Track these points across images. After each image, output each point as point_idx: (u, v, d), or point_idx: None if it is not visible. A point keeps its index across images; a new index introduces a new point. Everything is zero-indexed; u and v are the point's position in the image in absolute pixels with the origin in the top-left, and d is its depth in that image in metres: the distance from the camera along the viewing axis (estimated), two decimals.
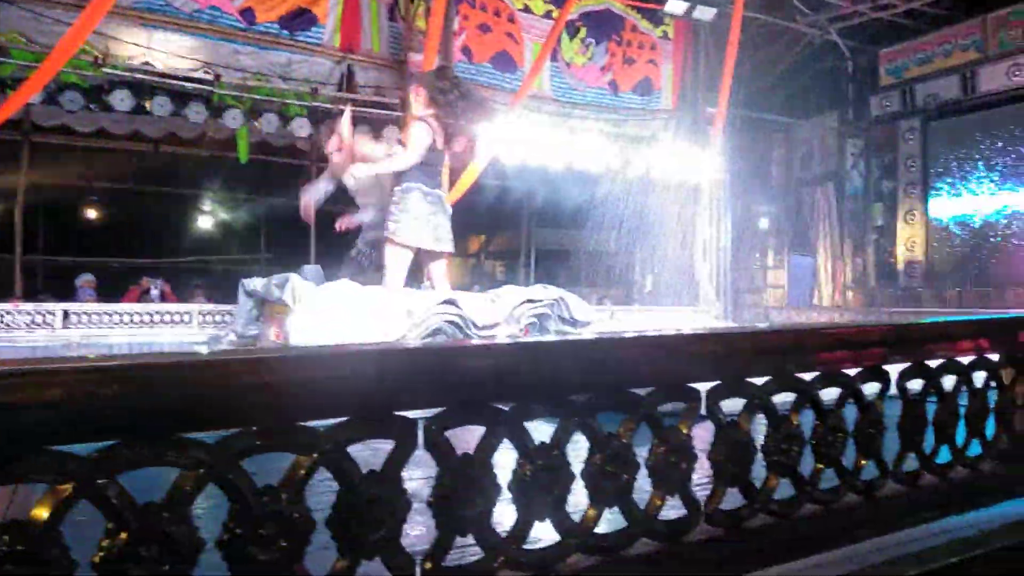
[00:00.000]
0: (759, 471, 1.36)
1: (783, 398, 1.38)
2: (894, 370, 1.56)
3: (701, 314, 9.53)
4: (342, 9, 7.66)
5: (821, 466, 1.43)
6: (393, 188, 4.53)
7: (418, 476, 1.10)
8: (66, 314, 6.68)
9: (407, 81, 7.79)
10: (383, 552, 0.98)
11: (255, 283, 5.11)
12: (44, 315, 6.62)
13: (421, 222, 4.46)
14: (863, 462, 1.50)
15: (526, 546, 1.10)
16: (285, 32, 7.52)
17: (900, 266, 10.74)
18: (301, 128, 7.46)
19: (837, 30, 10.57)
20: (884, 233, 10.95)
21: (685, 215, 9.97)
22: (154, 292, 7.84)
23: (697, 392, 1.27)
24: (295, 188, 8.04)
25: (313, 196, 4.83)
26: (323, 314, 4.08)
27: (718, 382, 1.29)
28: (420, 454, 1.02)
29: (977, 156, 9.99)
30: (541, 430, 1.13)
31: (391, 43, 7.95)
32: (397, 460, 0.98)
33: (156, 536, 0.82)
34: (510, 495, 1.10)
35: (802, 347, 1.36)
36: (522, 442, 1.09)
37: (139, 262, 9.26)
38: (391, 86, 7.99)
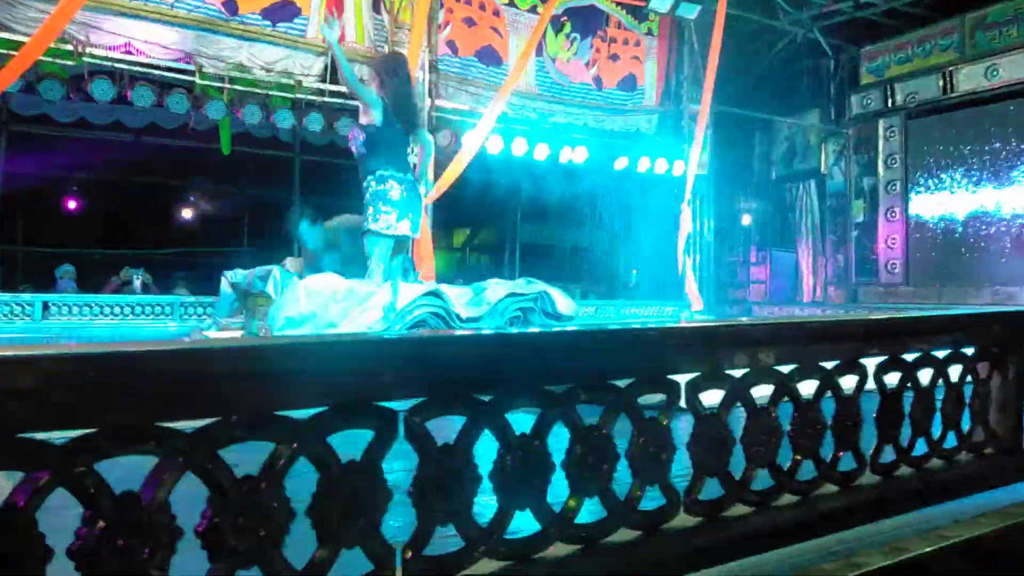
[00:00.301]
0: (739, 463, 1.38)
1: (761, 390, 1.40)
2: (871, 364, 1.59)
3: (684, 309, 9.60)
4: (325, 1, 7.59)
5: (799, 457, 1.45)
6: (366, 177, 4.50)
7: (398, 468, 1.10)
8: (46, 305, 6.60)
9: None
10: (363, 541, 0.98)
11: (237, 275, 5.08)
12: (24, 306, 6.53)
13: (398, 209, 4.44)
14: (840, 454, 1.52)
15: (506, 536, 1.11)
16: (268, 23, 7.45)
17: (881, 263, 10.86)
18: (284, 120, 7.40)
19: (819, 28, 10.65)
20: (865, 230, 11.06)
21: (669, 211, 10.02)
22: (136, 283, 7.76)
23: (677, 384, 1.28)
24: (278, 180, 7.99)
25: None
26: (306, 306, 4.07)
27: (697, 374, 1.31)
28: (401, 447, 1.02)
29: (956, 155, 10.12)
30: (522, 421, 1.13)
31: (375, 36, 7.89)
32: (377, 450, 0.98)
33: (133, 525, 0.82)
34: (491, 485, 1.10)
35: (780, 339, 1.38)
36: (503, 432, 1.10)
37: (120, 253, 9.15)
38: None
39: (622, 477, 1.23)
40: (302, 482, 0.98)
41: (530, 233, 11.96)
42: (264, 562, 0.91)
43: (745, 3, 9.41)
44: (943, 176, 10.27)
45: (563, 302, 4.85)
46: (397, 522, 1.14)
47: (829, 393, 1.49)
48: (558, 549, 1.15)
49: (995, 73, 9.43)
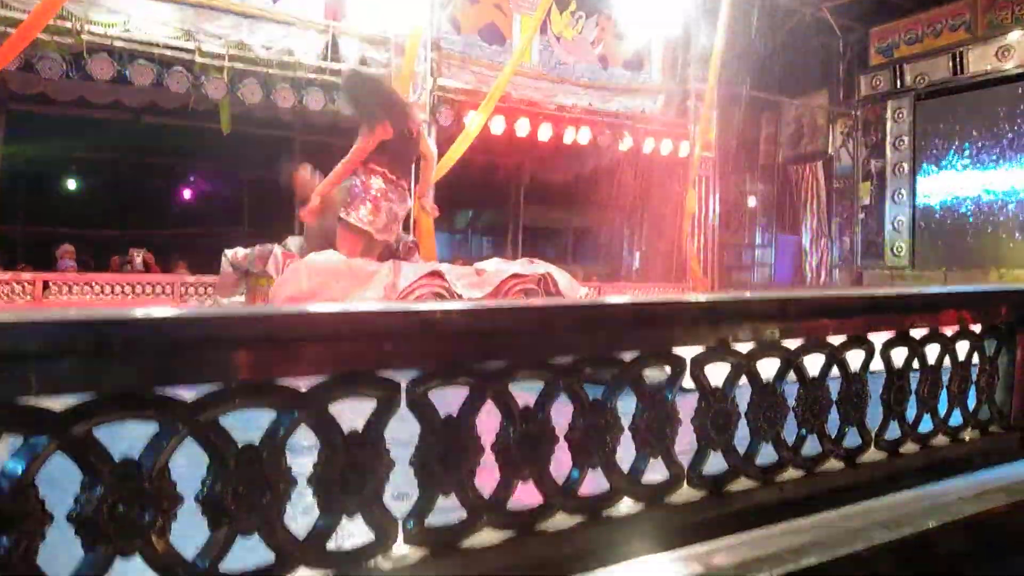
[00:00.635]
0: (744, 439, 1.37)
1: (767, 365, 1.38)
2: (878, 341, 1.57)
3: (688, 291, 9.57)
4: None
5: (804, 432, 1.44)
6: (355, 170, 4.42)
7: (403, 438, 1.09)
8: (46, 284, 6.60)
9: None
10: (365, 511, 0.97)
11: (238, 254, 5.07)
12: (24, 285, 6.53)
13: (378, 208, 4.34)
14: (846, 429, 1.52)
15: (509, 507, 1.10)
16: (269, 0, 7.38)
17: (887, 246, 10.81)
18: (284, 99, 7.34)
19: (829, 8, 10.52)
20: (871, 212, 11.00)
21: (673, 192, 9.96)
22: (137, 259, 7.75)
23: (682, 358, 1.27)
24: (279, 160, 7.95)
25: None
26: (307, 285, 4.05)
27: (703, 348, 1.29)
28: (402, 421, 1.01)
29: (965, 137, 10.03)
30: (526, 393, 1.12)
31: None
32: (379, 419, 0.97)
33: (133, 491, 0.81)
34: (493, 456, 1.09)
35: (786, 314, 1.36)
36: (506, 404, 1.09)
37: (120, 233, 9.14)
38: (376, 58, 7.87)
39: (626, 452, 1.22)
40: (303, 450, 0.97)
41: (533, 215, 11.92)
42: (265, 530, 0.90)
43: None
44: (951, 159, 10.19)
45: (566, 284, 4.83)
46: (398, 491, 1.13)
47: (835, 369, 1.48)
48: (561, 520, 1.15)
49: (1006, 54, 9.32)
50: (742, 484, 1.36)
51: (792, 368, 1.40)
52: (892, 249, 10.77)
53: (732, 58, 9.32)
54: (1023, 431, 1.85)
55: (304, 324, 0.91)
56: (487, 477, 1.10)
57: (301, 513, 0.97)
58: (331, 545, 0.96)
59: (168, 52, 6.90)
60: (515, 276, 4.65)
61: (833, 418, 1.50)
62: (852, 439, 1.54)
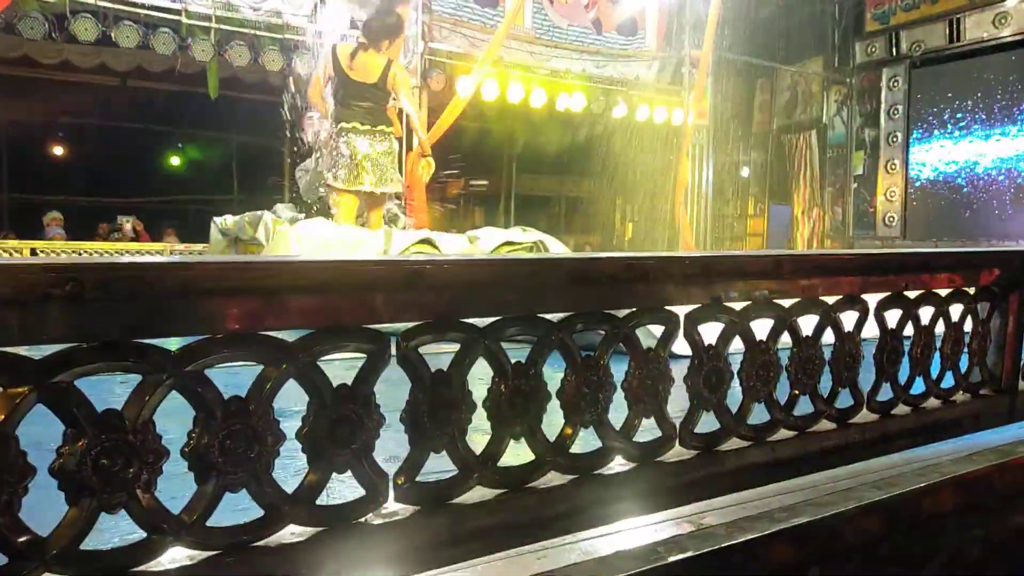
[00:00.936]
0: (736, 399, 1.37)
1: (761, 325, 1.37)
2: (872, 301, 1.56)
3: None
4: None
5: (797, 393, 1.44)
6: (329, 131, 4.39)
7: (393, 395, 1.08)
8: (33, 252, 6.53)
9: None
10: (355, 466, 0.96)
11: (228, 221, 5.02)
12: (10, 253, 6.45)
13: (361, 164, 4.31)
14: (839, 390, 1.51)
15: (501, 464, 1.09)
16: None
17: (879, 216, 10.82)
18: (272, 62, 7.21)
19: None
20: (864, 182, 10.98)
21: (667, 161, 9.90)
22: (127, 226, 7.67)
23: (675, 315, 1.26)
24: (268, 126, 7.84)
25: None
26: (297, 252, 4.02)
27: (697, 305, 1.28)
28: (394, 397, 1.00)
29: (959, 106, 9.98)
30: (518, 350, 1.11)
31: None
32: (369, 373, 0.96)
33: (117, 444, 0.80)
34: (485, 414, 1.08)
35: (781, 272, 1.35)
36: (497, 360, 1.07)
37: (108, 201, 9.03)
38: (364, 19, 7.71)
39: (619, 408, 1.22)
40: (293, 405, 0.96)
41: (525, 184, 11.85)
42: (253, 484, 0.89)
43: None
44: (945, 128, 10.15)
45: (559, 251, 4.82)
46: (388, 447, 1.13)
47: (829, 330, 1.47)
48: (553, 478, 1.14)
49: (1003, 21, 9.23)
50: (734, 444, 1.36)
51: (786, 327, 1.39)
52: (884, 219, 10.78)
53: (727, 24, 9.19)
54: (1013, 393, 1.85)
55: (292, 274, 0.89)
56: (480, 439, 1.09)
57: (293, 475, 0.96)
58: (320, 500, 0.95)
59: (154, 13, 6.75)
60: (508, 243, 4.64)
61: (825, 379, 1.49)
62: (844, 401, 1.54)
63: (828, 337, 1.48)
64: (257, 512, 0.91)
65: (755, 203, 12.47)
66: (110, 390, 0.92)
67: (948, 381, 1.75)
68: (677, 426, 1.28)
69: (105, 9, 6.58)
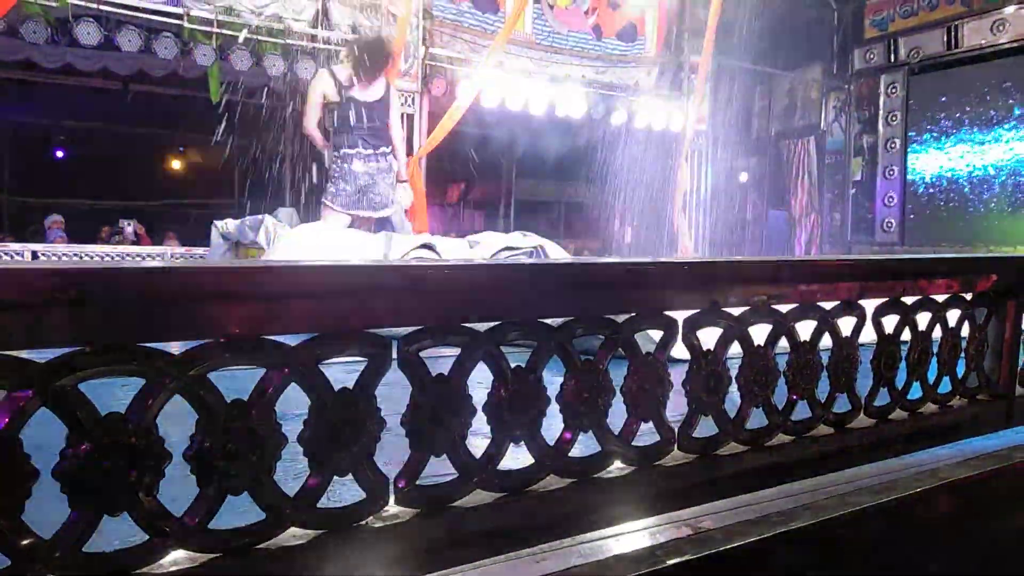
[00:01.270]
0: (734, 404, 1.37)
1: (759, 330, 1.38)
2: (870, 306, 1.57)
3: None
4: None
5: (795, 398, 1.44)
6: (331, 153, 4.42)
7: (395, 398, 1.09)
8: (35, 255, 6.54)
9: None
10: (356, 469, 0.97)
11: (228, 225, 5.03)
12: (12, 256, 6.46)
13: (359, 190, 4.33)
14: (836, 395, 1.52)
15: (500, 467, 1.10)
16: None
17: (877, 222, 10.83)
18: (274, 67, 7.23)
19: None
20: (863, 189, 11.00)
21: (666, 167, 9.92)
22: (128, 230, 7.69)
23: (674, 320, 1.27)
24: (269, 130, 7.85)
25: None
26: (297, 256, 4.03)
27: (696, 311, 1.29)
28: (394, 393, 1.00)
29: (958, 112, 10.01)
30: (517, 355, 1.12)
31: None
32: (370, 377, 0.97)
33: (119, 447, 0.80)
34: (485, 418, 1.09)
35: (780, 278, 1.36)
36: (498, 364, 1.08)
37: (110, 204, 9.04)
38: (367, 24, 7.75)
39: (617, 415, 1.22)
40: (294, 408, 0.96)
41: (525, 189, 11.86)
42: (255, 488, 0.90)
43: None
44: (943, 135, 10.17)
45: (559, 256, 4.82)
46: (389, 451, 1.13)
47: (826, 335, 1.48)
48: (552, 481, 1.15)
49: (1001, 28, 9.27)
50: (732, 448, 1.36)
51: (784, 333, 1.40)
52: (882, 225, 10.79)
53: (726, 30, 9.23)
54: (1010, 399, 1.86)
55: (294, 278, 0.89)
56: (480, 443, 1.09)
57: (293, 478, 0.97)
58: (321, 504, 0.96)
59: (156, 18, 6.78)
60: (507, 248, 4.64)
61: (823, 384, 1.50)
62: (842, 405, 1.55)
63: (826, 342, 1.49)
64: (258, 514, 0.91)
65: (753, 208, 12.49)
66: (112, 393, 0.93)
67: (945, 386, 1.75)
68: (676, 430, 1.29)
69: (108, 14, 6.60)
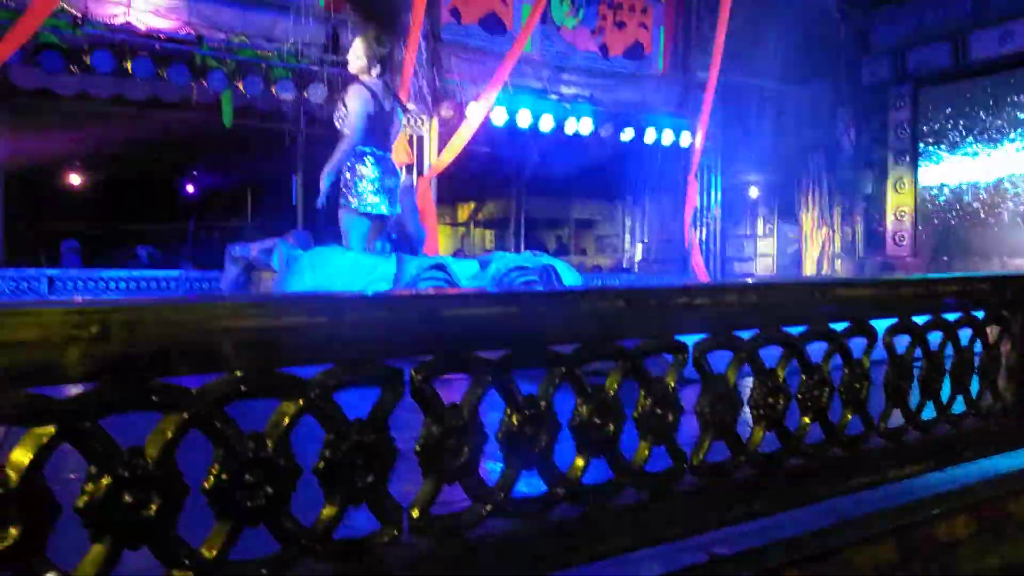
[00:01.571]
0: (745, 428, 1.37)
1: (769, 352, 1.38)
2: (881, 327, 1.57)
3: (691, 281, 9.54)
4: None
5: (807, 420, 1.44)
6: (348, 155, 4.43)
7: (406, 429, 1.10)
8: (51, 280, 6.62)
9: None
10: (370, 499, 0.98)
11: (242, 249, 5.08)
12: (29, 281, 6.55)
13: (376, 187, 4.37)
14: (848, 417, 1.52)
15: (513, 495, 1.11)
16: None
17: (889, 235, 10.77)
18: (286, 91, 7.33)
19: None
20: (873, 202, 10.96)
21: (675, 183, 9.93)
22: (142, 255, 7.77)
23: (684, 345, 1.27)
24: (281, 153, 7.94)
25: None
26: (311, 279, 4.07)
27: (706, 335, 1.29)
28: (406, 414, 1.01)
29: (967, 124, 9.97)
30: (527, 383, 1.12)
31: None
32: (384, 408, 0.98)
33: (138, 481, 0.82)
34: (497, 445, 1.10)
35: (789, 301, 1.36)
36: (509, 392, 1.09)
37: (124, 227, 9.15)
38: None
39: (629, 440, 1.23)
40: (308, 439, 0.98)
41: (535, 207, 11.89)
42: (271, 519, 0.91)
43: None
44: (953, 146, 10.14)
45: (569, 276, 4.84)
46: (402, 480, 1.14)
47: (838, 356, 1.48)
48: (565, 508, 1.15)
49: (1008, 39, 9.25)
50: (745, 471, 1.36)
51: (795, 355, 1.40)
52: (894, 239, 10.73)
53: (734, 46, 9.26)
54: None
55: (308, 310, 0.91)
56: (492, 466, 1.10)
57: (306, 507, 0.97)
58: (336, 535, 0.97)
59: (170, 45, 6.90)
60: (518, 268, 4.66)
61: (835, 406, 1.50)
62: (854, 427, 1.54)
63: (837, 362, 1.49)
64: (274, 545, 0.92)
65: (764, 223, 12.46)
66: (131, 424, 0.94)
67: (959, 406, 1.74)
68: (687, 454, 1.29)
69: (122, 42, 6.73)
